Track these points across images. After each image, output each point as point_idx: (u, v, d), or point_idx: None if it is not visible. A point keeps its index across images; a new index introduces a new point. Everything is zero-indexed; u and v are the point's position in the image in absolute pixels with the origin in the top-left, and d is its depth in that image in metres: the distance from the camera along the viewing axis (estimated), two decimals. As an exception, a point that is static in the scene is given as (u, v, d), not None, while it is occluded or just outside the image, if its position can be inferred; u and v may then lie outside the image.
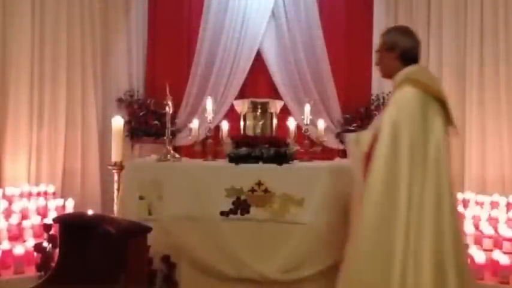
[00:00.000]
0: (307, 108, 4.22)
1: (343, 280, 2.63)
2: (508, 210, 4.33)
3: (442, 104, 2.53)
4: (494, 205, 4.42)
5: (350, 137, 2.97)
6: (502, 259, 3.36)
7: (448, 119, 2.56)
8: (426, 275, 2.39)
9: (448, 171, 2.48)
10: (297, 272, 3.48)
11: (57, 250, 3.11)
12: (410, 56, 2.63)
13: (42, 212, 4.18)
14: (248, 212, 3.56)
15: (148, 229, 2.87)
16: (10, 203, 4.20)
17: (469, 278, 2.62)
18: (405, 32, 2.71)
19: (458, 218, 2.58)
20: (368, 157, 2.61)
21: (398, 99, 2.53)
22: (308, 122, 4.17)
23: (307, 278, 3.48)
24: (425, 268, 2.40)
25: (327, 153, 4.79)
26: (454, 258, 2.43)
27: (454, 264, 2.42)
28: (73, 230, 2.88)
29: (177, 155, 3.84)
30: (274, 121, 4.19)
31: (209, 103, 4.09)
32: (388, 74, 2.71)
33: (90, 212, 3.22)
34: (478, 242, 3.78)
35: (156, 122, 5.41)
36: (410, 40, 2.65)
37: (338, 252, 3.46)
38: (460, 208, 4.40)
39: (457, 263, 2.44)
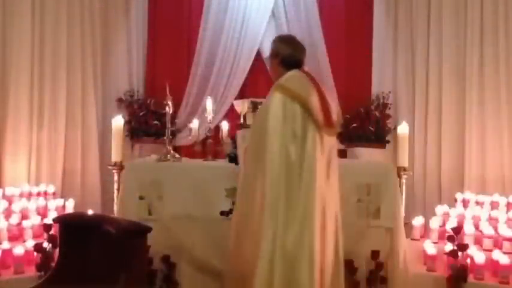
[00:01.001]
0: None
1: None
2: (508, 210, 4.33)
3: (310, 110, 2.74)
4: (494, 205, 4.42)
5: (240, 132, 3.32)
6: (502, 259, 3.36)
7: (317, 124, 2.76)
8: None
9: (314, 169, 2.71)
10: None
11: (57, 250, 3.11)
12: (290, 62, 2.87)
13: (42, 212, 4.17)
14: (248, 212, 3.55)
15: (148, 229, 2.87)
16: (10, 203, 4.20)
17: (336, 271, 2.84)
18: (286, 40, 3.00)
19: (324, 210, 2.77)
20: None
21: (267, 103, 2.79)
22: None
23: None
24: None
25: (327, 153, 4.78)
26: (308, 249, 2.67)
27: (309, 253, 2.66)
28: (73, 230, 2.88)
29: (177, 155, 3.84)
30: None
31: (209, 103, 4.09)
32: (276, 78, 2.93)
33: (90, 212, 3.23)
34: (478, 242, 3.78)
35: (156, 122, 5.40)
36: (290, 48, 2.90)
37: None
38: (460, 208, 4.41)
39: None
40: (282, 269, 2.65)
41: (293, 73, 2.84)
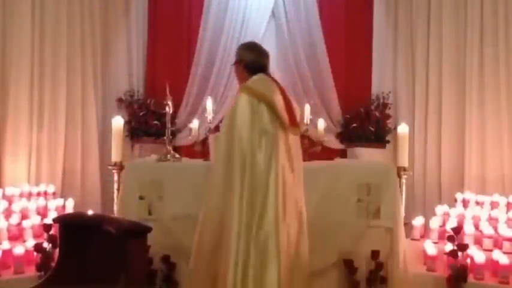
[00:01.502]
0: (307, 108, 4.21)
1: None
2: (508, 210, 4.33)
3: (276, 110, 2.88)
4: (494, 205, 4.42)
5: (213, 136, 3.55)
6: (502, 259, 3.36)
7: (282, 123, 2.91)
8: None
9: (279, 167, 2.83)
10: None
11: (57, 250, 3.11)
12: (254, 67, 3.03)
13: (42, 212, 4.17)
14: (248, 212, 3.56)
15: (148, 229, 2.87)
16: (10, 203, 4.20)
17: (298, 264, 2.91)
18: (249, 47, 3.17)
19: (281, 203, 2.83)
20: None
21: (235, 105, 2.91)
22: (308, 122, 4.17)
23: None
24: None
25: (327, 153, 4.78)
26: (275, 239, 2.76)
27: (275, 245, 2.76)
28: (73, 230, 2.88)
29: (177, 155, 3.83)
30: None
31: (209, 103, 4.09)
32: (241, 82, 3.09)
33: (90, 212, 3.22)
34: (478, 242, 3.78)
35: (156, 122, 5.40)
36: (253, 54, 3.07)
37: (338, 251, 3.51)
38: (460, 208, 4.41)
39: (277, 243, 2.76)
40: (250, 271, 2.73)
41: (258, 76, 2.99)
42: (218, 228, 2.87)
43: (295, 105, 3.03)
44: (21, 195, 4.40)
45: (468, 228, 3.81)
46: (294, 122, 2.96)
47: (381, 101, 5.55)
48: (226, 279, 2.73)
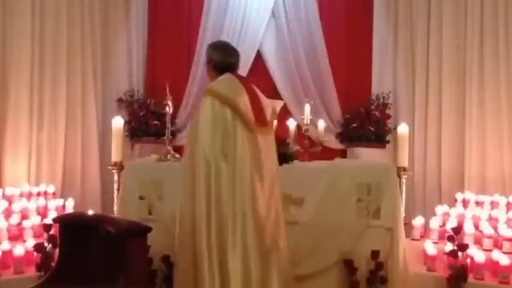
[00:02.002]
0: (307, 108, 4.22)
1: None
2: (508, 210, 4.32)
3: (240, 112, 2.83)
4: (494, 205, 4.42)
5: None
6: (502, 259, 3.36)
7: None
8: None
9: (245, 165, 2.79)
10: (296, 271, 3.48)
11: (57, 250, 3.12)
12: (222, 67, 3.00)
13: (42, 212, 4.17)
14: (248, 212, 3.55)
15: (148, 229, 2.87)
16: (10, 203, 4.20)
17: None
18: (216, 47, 3.16)
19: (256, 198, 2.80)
20: None
21: (200, 107, 2.90)
22: (308, 122, 4.17)
23: (306, 276, 3.48)
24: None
25: (327, 153, 4.79)
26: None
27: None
28: (73, 230, 2.88)
29: (177, 155, 3.83)
30: (274, 121, 4.18)
31: (209, 103, 4.08)
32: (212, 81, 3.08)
33: (90, 212, 3.23)
34: (478, 242, 3.78)
35: (156, 122, 5.40)
36: (221, 54, 3.04)
37: (338, 251, 3.51)
38: (460, 208, 4.41)
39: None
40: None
41: (224, 77, 2.96)
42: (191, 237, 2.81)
43: (266, 103, 2.98)
44: (21, 195, 4.40)
45: (468, 228, 3.81)
46: (262, 122, 2.90)
47: (381, 101, 5.54)
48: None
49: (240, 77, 3.01)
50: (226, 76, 2.96)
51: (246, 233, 2.74)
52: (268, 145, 2.94)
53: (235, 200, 2.75)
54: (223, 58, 3.03)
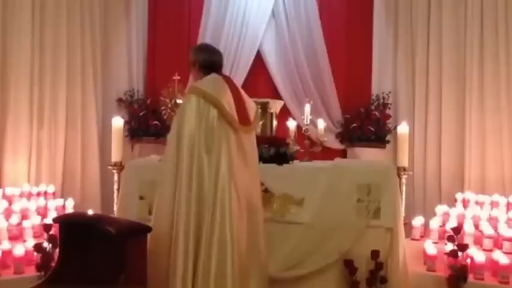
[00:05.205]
0: (307, 108, 4.22)
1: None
2: (508, 210, 4.33)
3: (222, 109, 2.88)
4: (494, 205, 4.42)
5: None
6: (502, 259, 3.36)
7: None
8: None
9: (229, 161, 2.84)
10: (296, 271, 3.49)
11: (57, 250, 3.11)
12: (209, 65, 3.06)
13: (42, 212, 4.18)
14: (248, 212, 3.55)
15: (149, 229, 2.87)
16: (10, 203, 4.21)
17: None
18: (200, 47, 3.28)
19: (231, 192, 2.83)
20: None
21: (182, 104, 2.98)
22: (308, 122, 4.17)
23: (306, 276, 3.49)
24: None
25: (327, 153, 4.79)
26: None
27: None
28: (73, 230, 2.88)
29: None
30: (274, 121, 4.19)
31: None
32: None
33: (90, 212, 3.22)
34: (478, 242, 3.78)
35: (156, 122, 5.40)
36: (206, 53, 3.12)
37: (338, 251, 3.51)
38: (460, 208, 4.41)
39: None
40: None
41: (209, 76, 3.00)
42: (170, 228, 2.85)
43: (249, 104, 3.04)
44: (21, 195, 4.41)
45: (468, 228, 3.82)
46: (245, 121, 2.96)
47: (381, 101, 5.54)
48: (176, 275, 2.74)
49: (224, 77, 3.06)
50: (212, 76, 3.01)
51: (225, 226, 2.77)
52: (250, 143, 3.03)
53: (217, 191, 2.79)
54: (209, 57, 3.09)
